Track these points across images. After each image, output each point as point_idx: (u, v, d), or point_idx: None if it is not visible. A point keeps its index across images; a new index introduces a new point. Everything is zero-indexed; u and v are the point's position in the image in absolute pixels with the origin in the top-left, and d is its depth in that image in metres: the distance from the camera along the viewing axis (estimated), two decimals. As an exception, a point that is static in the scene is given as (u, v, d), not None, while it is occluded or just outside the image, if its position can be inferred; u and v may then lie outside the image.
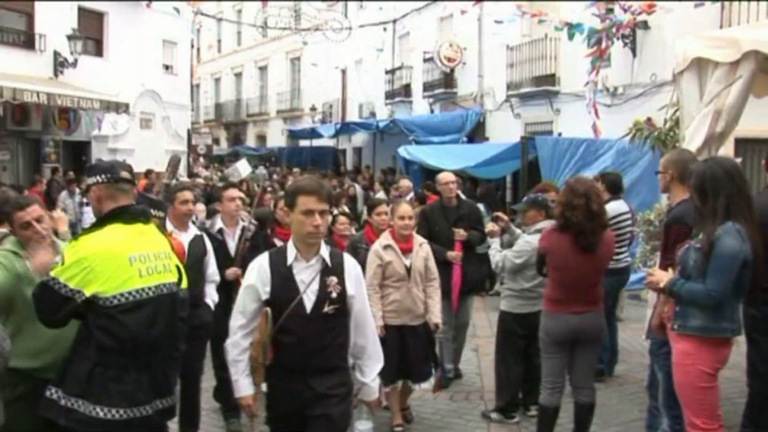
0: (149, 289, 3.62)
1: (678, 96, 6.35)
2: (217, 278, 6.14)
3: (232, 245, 6.50)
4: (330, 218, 3.95)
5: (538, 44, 19.19)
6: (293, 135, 33.74)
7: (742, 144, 12.78)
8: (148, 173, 18.61)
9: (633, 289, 10.79)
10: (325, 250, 3.85)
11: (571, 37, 15.07)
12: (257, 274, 3.81)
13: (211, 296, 6.03)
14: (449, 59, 23.04)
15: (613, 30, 14.82)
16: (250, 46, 41.18)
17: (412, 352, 6.09)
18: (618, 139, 13.25)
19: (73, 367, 3.58)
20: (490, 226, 6.64)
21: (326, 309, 3.77)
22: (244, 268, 6.02)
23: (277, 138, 38.18)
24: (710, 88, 5.82)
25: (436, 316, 6.27)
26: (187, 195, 5.93)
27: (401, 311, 6.07)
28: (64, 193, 16.21)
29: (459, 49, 22.96)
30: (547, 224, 5.81)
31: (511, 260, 6.14)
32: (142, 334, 3.56)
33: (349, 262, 3.97)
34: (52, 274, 3.53)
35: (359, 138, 29.77)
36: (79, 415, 3.48)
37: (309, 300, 3.75)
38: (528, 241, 6.13)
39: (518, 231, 6.72)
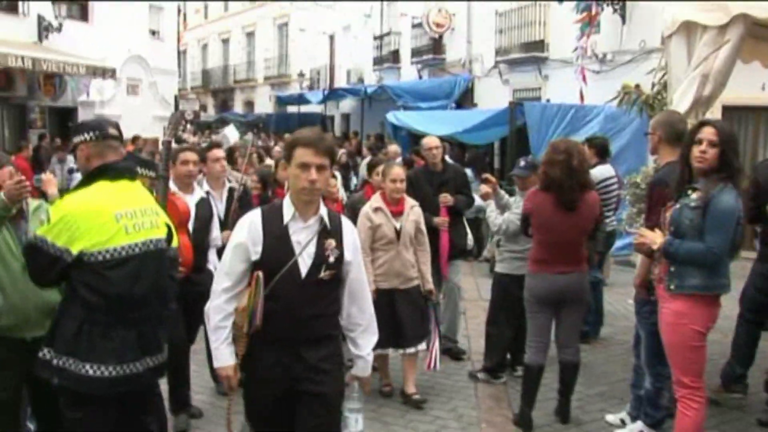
0: (135, 245, 3.59)
1: (666, 60, 6.36)
2: (219, 243, 5.89)
3: (220, 207, 6.30)
4: (329, 176, 3.75)
5: (527, 10, 19.15)
6: (281, 101, 33.61)
7: (728, 111, 12.84)
8: (135, 139, 18.53)
9: (620, 255, 10.89)
10: (324, 210, 3.55)
11: (560, 1, 15.03)
12: (248, 231, 3.47)
13: (213, 262, 5.82)
14: (438, 25, 22.96)
15: (603, -5, 14.82)
16: (238, 11, 40.90)
17: (403, 316, 5.98)
18: (606, 104, 13.26)
19: (61, 325, 3.57)
20: (483, 188, 6.55)
21: (322, 274, 3.48)
22: None
23: (264, 104, 38.02)
24: (698, 51, 5.82)
25: (428, 282, 6.22)
26: (189, 156, 5.79)
27: (391, 274, 5.99)
28: (54, 159, 16.14)
29: (448, 14, 22.87)
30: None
31: (515, 222, 6.02)
32: (127, 290, 3.54)
33: (347, 225, 3.70)
34: (39, 233, 3.51)
35: (347, 104, 29.68)
36: (70, 373, 3.49)
37: (304, 263, 3.46)
38: None
39: (505, 195, 6.72)
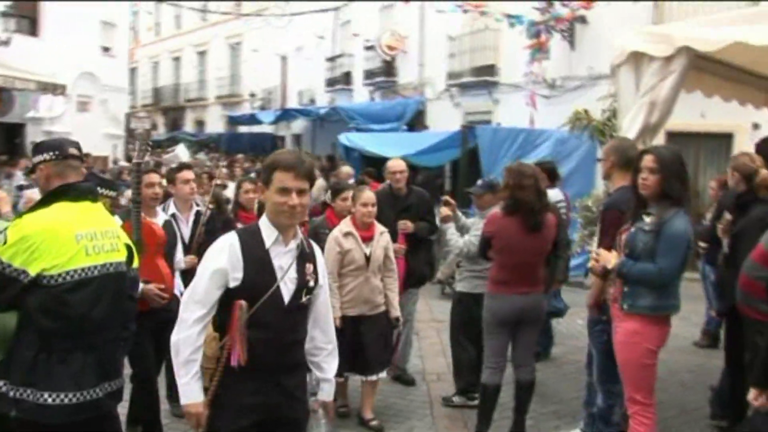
0: (95, 267, 3.52)
1: (616, 88, 6.60)
2: (183, 266, 5.76)
3: (186, 232, 6.14)
4: (308, 200, 3.52)
5: (478, 35, 19.49)
6: (232, 121, 33.43)
7: (671, 137, 13.25)
8: (85, 157, 18.21)
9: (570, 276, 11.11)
10: (300, 234, 3.42)
11: (512, 25, 15.37)
12: (228, 256, 3.25)
13: (179, 286, 5.58)
14: (390, 48, 23.21)
15: (553, 23, 15.20)
16: (190, 30, 40.63)
17: (368, 343, 5.90)
18: (557, 129, 13.59)
19: (16, 355, 3.44)
20: (443, 210, 6.50)
21: (303, 299, 3.41)
22: (200, 255, 5.49)
23: (215, 124, 37.80)
24: (646, 80, 6.07)
25: (396, 309, 6.14)
26: (153, 177, 5.71)
27: (359, 301, 5.90)
28: (1, 175, 15.87)
29: (400, 38, 23.14)
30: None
31: (476, 244, 5.96)
32: (86, 314, 3.46)
33: (317, 248, 3.62)
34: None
35: (298, 125, 29.69)
36: (29, 404, 3.38)
37: (287, 289, 3.34)
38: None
39: (463, 217, 6.78)
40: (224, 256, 3.25)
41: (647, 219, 4.44)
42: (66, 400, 3.42)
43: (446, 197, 6.78)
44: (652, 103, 6.02)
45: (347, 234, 5.93)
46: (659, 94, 6.01)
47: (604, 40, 14.79)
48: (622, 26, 13.71)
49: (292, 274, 3.35)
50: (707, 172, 15.07)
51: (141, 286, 4.66)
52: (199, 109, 40.52)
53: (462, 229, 6.45)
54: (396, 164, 7.31)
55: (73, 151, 3.75)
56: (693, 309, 9.35)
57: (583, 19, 15.82)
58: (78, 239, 3.50)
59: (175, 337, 3.30)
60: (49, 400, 3.39)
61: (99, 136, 22.67)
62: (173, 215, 6.06)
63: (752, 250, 4.43)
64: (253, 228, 3.41)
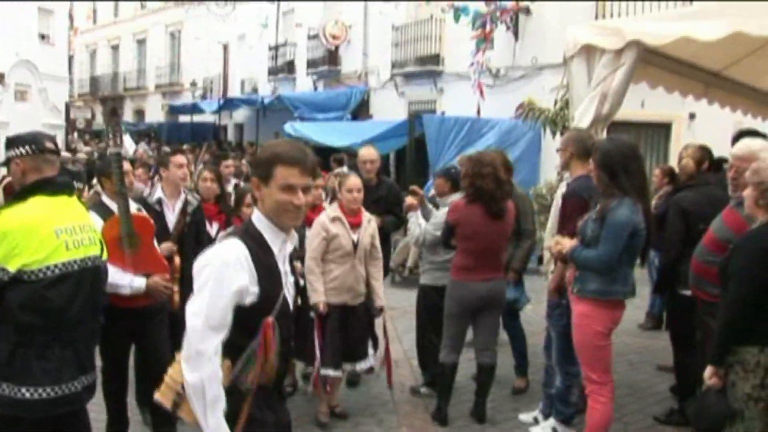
0: (75, 262, 3.54)
1: (568, 79, 6.81)
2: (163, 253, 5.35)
3: (171, 219, 5.77)
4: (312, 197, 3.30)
5: (423, 24, 19.60)
6: (173, 110, 33.12)
7: (613, 126, 13.55)
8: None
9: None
10: (294, 234, 3.06)
11: (456, 19, 15.55)
12: (248, 272, 2.77)
13: None
14: (334, 37, 23.21)
15: (498, 14, 15.42)
16: (129, 18, 39.98)
17: (351, 332, 5.77)
18: (505, 118, 13.80)
19: None
20: (408, 200, 6.50)
21: (298, 301, 3.35)
22: (180, 245, 5.56)
23: (156, 113, 37.32)
24: (597, 72, 6.29)
25: (381, 298, 5.99)
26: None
27: (343, 289, 5.71)
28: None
29: (344, 27, 23.15)
30: (457, 197, 6.04)
31: (432, 233, 6.09)
32: (65, 308, 3.48)
33: None
34: None
35: (241, 114, 29.51)
36: (6, 399, 3.38)
37: (290, 295, 3.04)
38: (445, 213, 6.07)
39: (430, 206, 6.76)
40: (244, 273, 2.75)
41: (596, 208, 4.63)
42: (44, 395, 3.43)
43: (414, 187, 6.79)
44: (603, 95, 6.24)
45: (335, 219, 5.75)
46: (610, 85, 6.24)
47: (548, 31, 15.13)
48: (566, 18, 14.09)
49: (290, 276, 3.05)
50: (647, 160, 15.50)
51: (144, 280, 4.67)
52: (139, 98, 39.99)
53: (427, 217, 6.46)
54: (368, 153, 7.17)
55: (49, 145, 3.74)
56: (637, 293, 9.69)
57: (527, 11, 16.06)
58: (58, 234, 3.50)
59: (195, 375, 2.70)
60: (27, 395, 3.40)
61: (39, 127, 22.02)
62: (159, 200, 5.80)
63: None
64: (252, 231, 2.90)
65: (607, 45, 6.23)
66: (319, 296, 5.59)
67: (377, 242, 6.01)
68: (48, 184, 3.62)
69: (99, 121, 41.08)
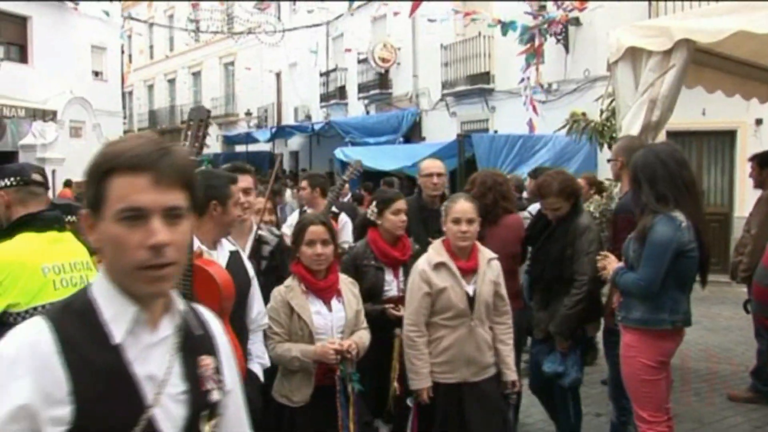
0: None
1: (613, 86, 6.32)
2: (266, 321, 3.91)
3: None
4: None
5: (472, 43, 19.25)
6: (228, 141, 33.39)
7: (671, 136, 12.97)
8: (68, 184, 18.09)
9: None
10: (178, 300, 1.74)
11: (504, 33, 15.14)
12: (33, 377, 1.50)
13: (258, 355, 3.82)
14: (383, 60, 23.01)
15: (546, 27, 14.97)
16: (183, 51, 40.60)
17: (472, 421, 4.10)
18: (554, 132, 13.33)
19: None
20: None
21: (206, 429, 2.27)
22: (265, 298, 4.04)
23: (212, 144, 37.65)
24: (645, 77, 5.79)
25: (511, 370, 4.34)
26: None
27: (459, 362, 4.15)
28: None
29: (393, 49, 22.94)
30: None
31: None
32: None
33: (211, 317, 1.91)
34: None
35: (295, 141, 29.51)
36: None
37: (169, 418, 1.67)
38: None
39: None
40: (24, 380, 1.49)
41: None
42: None
43: None
44: (652, 101, 5.73)
45: (439, 265, 4.18)
46: (659, 90, 5.71)
47: (599, 42, 14.57)
48: (617, 27, 13.56)
49: (176, 384, 1.67)
50: (711, 171, 14.78)
51: None
52: (195, 130, 40.35)
53: None
54: (433, 164, 5.62)
55: (36, 176, 3.55)
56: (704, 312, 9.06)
57: (576, 21, 15.59)
58: (45, 272, 3.29)
59: None
60: None
61: (93, 162, 22.50)
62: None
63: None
64: (79, 304, 1.63)
65: (653, 46, 5.72)
66: (421, 381, 4.13)
67: (503, 290, 4.36)
68: (35, 219, 3.41)
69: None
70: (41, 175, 3.63)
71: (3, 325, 3.10)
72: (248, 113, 33.61)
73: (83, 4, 22.36)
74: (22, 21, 21.86)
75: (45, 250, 3.36)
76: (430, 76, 21.23)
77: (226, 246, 3.76)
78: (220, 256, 3.67)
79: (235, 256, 3.77)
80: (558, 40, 15.93)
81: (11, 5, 20.70)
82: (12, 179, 3.47)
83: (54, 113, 19.57)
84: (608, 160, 5.36)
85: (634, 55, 5.91)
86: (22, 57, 22.03)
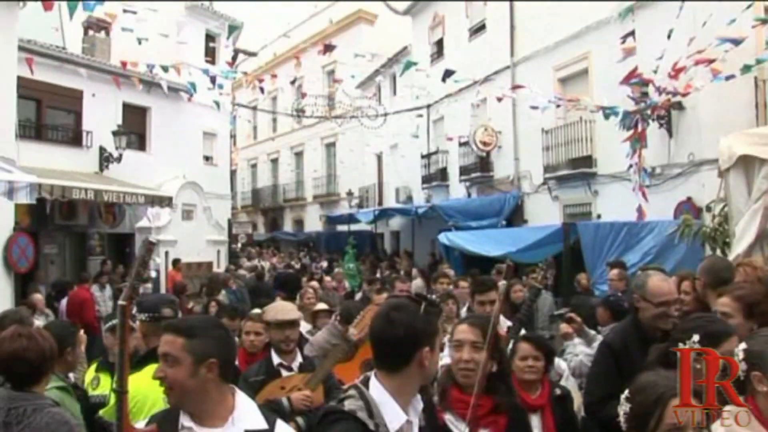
0: None
1: (725, 192, 6.42)
2: None
3: None
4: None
5: (573, 127, 19.39)
6: (330, 220, 34.14)
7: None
8: (176, 263, 18.80)
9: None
10: None
11: (606, 117, 15.23)
12: None
13: None
14: (485, 143, 23.30)
15: (648, 111, 14.98)
16: (286, 132, 42.07)
17: None
18: (661, 220, 13.25)
19: None
20: (563, 327, 6.04)
21: None
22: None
23: (314, 223, 38.59)
24: (758, 184, 5.91)
25: None
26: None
27: None
28: (94, 286, 16.39)
29: (494, 132, 23.24)
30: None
31: (586, 364, 5.30)
32: None
33: None
34: (103, 414, 3.60)
35: (396, 222, 29.96)
36: None
37: None
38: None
39: (592, 332, 6.15)
40: None
41: None
42: None
43: (571, 314, 6.24)
44: (766, 208, 5.82)
45: None
46: (774, 197, 5.82)
47: (703, 126, 14.55)
48: (722, 110, 13.49)
49: None
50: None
51: None
52: (297, 208, 41.53)
53: (590, 343, 5.89)
54: (665, 286, 4.37)
55: (166, 311, 4.03)
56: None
57: (679, 105, 15.54)
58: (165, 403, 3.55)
59: None
60: None
61: (203, 243, 23.45)
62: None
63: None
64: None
65: (766, 155, 5.85)
66: None
67: None
68: None
69: (261, 232, 43.02)
70: (172, 309, 4.07)
71: None
72: (350, 193, 34.40)
73: (197, 95, 23.64)
74: (142, 111, 23.27)
75: None
76: (532, 159, 21.38)
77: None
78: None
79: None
80: (661, 125, 15.91)
81: (134, 99, 22.09)
82: (147, 315, 3.97)
83: (170, 199, 20.59)
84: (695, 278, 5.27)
85: (747, 162, 6.04)
86: (141, 145, 23.41)
